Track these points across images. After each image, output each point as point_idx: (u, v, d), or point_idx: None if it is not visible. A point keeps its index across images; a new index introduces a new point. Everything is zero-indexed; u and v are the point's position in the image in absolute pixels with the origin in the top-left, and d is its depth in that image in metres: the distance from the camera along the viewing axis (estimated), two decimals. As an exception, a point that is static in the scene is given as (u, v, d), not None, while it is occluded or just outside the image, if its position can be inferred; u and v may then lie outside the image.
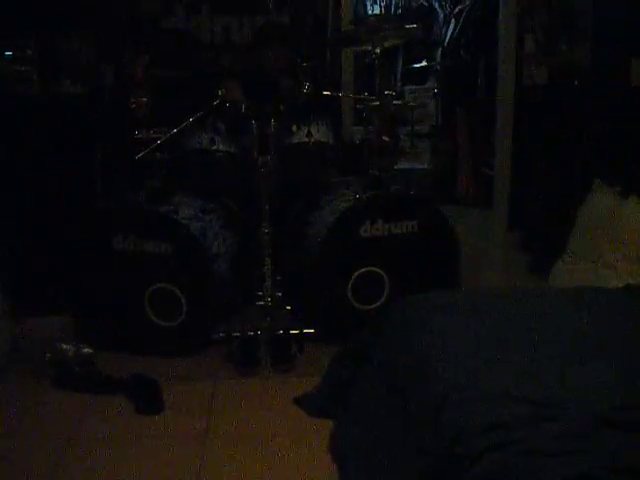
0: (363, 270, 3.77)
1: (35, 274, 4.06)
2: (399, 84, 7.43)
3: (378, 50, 4.02)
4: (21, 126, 4.20)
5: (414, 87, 7.22)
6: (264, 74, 4.33)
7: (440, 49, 6.85)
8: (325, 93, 4.23)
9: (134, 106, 3.86)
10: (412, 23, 4.43)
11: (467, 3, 6.55)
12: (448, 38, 6.63)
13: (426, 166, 6.77)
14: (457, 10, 6.66)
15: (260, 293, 3.67)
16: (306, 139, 3.86)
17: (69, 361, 3.40)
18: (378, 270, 3.79)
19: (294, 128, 3.88)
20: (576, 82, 4.72)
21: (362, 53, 4.85)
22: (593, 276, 3.83)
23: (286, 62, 4.41)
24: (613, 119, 4.33)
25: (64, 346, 3.44)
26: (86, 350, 3.44)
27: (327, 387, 3.15)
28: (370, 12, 7.65)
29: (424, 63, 6.59)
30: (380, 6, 7.75)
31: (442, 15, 7.19)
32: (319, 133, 3.89)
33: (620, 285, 3.20)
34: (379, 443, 2.50)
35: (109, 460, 2.78)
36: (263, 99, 3.86)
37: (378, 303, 3.82)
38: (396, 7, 7.77)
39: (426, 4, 7.49)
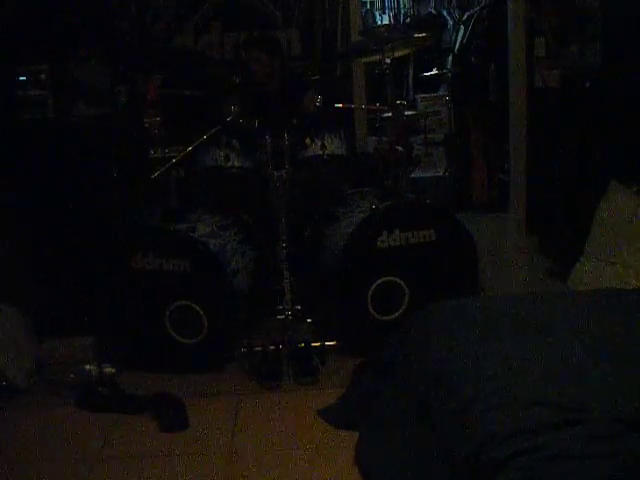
0: (382, 280, 3.77)
1: (56, 295, 4.08)
2: (411, 93, 7.45)
3: (388, 60, 4.04)
4: (37, 149, 4.23)
5: (426, 95, 7.24)
6: (260, 87, 4.36)
7: (450, 56, 6.86)
8: (337, 105, 4.24)
9: (148, 126, 3.89)
10: (421, 32, 4.45)
11: (476, 9, 6.56)
12: (458, 45, 6.64)
13: (441, 174, 6.77)
14: (466, 17, 6.67)
15: (280, 307, 3.68)
16: (320, 152, 3.87)
17: (92, 381, 3.42)
18: (397, 280, 3.78)
19: (308, 141, 3.89)
20: (588, 83, 4.71)
21: (373, 63, 4.86)
22: (613, 277, 3.81)
23: (272, 72, 4.44)
24: (626, 119, 4.32)
25: (87, 366, 3.46)
26: (109, 370, 3.46)
27: (351, 399, 3.15)
28: (379, 22, 7.68)
29: (435, 71, 6.60)
30: (389, 16, 7.79)
31: (451, 22, 7.21)
32: (333, 145, 3.90)
33: (640, 285, 3.19)
34: (404, 454, 2.49)
35: (135, 479, 2.79)
36: (273, 113, 3.88)
37: (398, 313, 3.81)
38: (405, 16, 7.81)
39: (435, 12, 7.51)
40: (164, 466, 2.86)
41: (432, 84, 7.27)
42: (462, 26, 6.65)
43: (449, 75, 6.79)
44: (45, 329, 3.89)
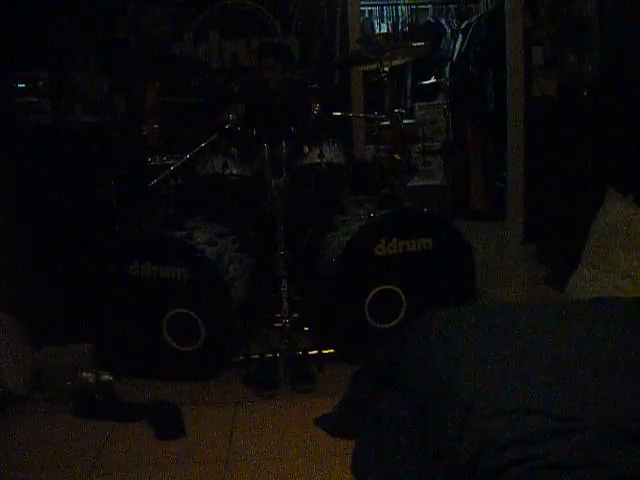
0: (379, 289, 3.77)
1: (54, 302, 4.08)
2: (409, 101, 7.46)
3: (387, 68, 4.05)
4: (35, 156, 4.24)
5: (424, 104, 7.25)
6: (271, 96, 4.36)
7: (448, 65, 6.87)
8: (335, 113, 4.24)
9: (146, 133, 3.89)
10: (419, 40, 4.46)
11: (473, 18, 6.58)
12: (456, 54, 6.66)
13: (439, 182, 6.77)
14: (464, 25, 6.69)
15: (278, 315, 3.67)
16: (318, 160, 3.88)
17: (89, 389, 3.41)
18: (394, 288, 3.79)
19: (305, 150, 3.90)
20: (585, 92, 4.72)
21: (371, 72, 4.87)
22: (610, 286, 3.81)
23: (284, 81, 4.42)
24: (623, 128, 4.33)
25: (84, 374, 3.46)
26: (106, 377, 3.45)
27: (347, 407, 3.15)
28: (377, 31, 7.69)
29: (433, 79, 6.61)
30: (387, 24, 7.80)
31: (449, 31, 7.23)
32: (330, 154, 3.91)
33: (637, 294, 3.18)
34: (401, 462, 2.49)
35: (132, 487, 2.79)
36: (272, 121, 3.88)
37: (396, 321, 3.81)
38: (403, 25, 7.82)
39: (433, 20, 7.53)
40: (161, 474, 2.85)
41: (430, 92, 7.28)
42: (460, 35, 6.67)
43: (447, 83, 6.81)
44: (42, 336, 3.89)
